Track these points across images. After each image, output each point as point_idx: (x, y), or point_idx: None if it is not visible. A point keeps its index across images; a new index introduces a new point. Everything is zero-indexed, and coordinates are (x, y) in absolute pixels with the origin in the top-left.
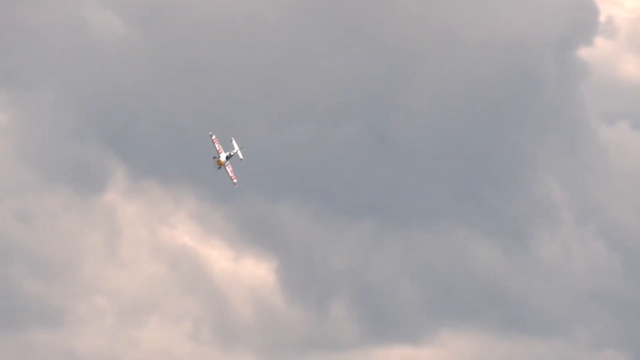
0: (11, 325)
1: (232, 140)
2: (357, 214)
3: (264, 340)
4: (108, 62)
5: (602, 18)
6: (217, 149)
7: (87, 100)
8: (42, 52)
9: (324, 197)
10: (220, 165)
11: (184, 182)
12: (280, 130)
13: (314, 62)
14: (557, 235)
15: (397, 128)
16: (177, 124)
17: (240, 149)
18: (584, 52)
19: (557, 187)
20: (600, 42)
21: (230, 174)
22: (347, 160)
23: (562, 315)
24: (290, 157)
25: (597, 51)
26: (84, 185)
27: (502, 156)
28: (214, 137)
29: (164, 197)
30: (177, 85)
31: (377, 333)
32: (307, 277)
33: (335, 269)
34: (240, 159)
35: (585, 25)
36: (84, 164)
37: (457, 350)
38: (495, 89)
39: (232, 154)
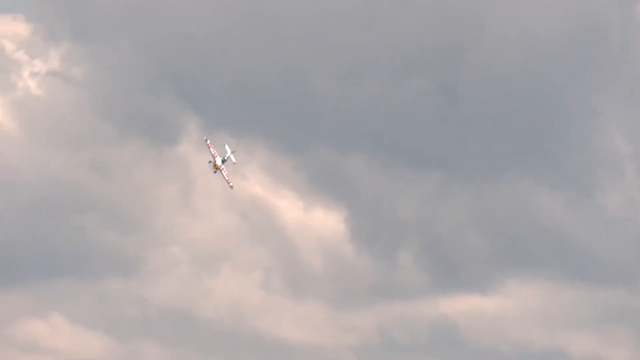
0: (87, 275)
1: (225, 145)
2: (424, 166)
3: (334, 289)
4: (181, 15)
5: None
6: (213, 153)
7: (161, 53)
8: (117, 6)
9: (393, 149)
10: (217, 168)
11: (255, 134)
12: (350, 82)
13: (384, 14)
14: (620, 185)
15: (464, 81)
16: (249, 77)
17: (233, 152)
18: None
19: (620, 138)
20: None
21: (226, 178)
22: (415, 113)
23: (626, 264)
24: (359, 110)
25: None
26: (158, 137)
27: (567, 108)
28: (208, 141)
29: (237, 148)
30: (250, 38)
31: (444, 282)
32: (375, 227)
33: (403, 219)
34: (234, 163)
35: None
36: (158, 117)
37: (523, 299)
38: (560, 42)
39: (226, 158)
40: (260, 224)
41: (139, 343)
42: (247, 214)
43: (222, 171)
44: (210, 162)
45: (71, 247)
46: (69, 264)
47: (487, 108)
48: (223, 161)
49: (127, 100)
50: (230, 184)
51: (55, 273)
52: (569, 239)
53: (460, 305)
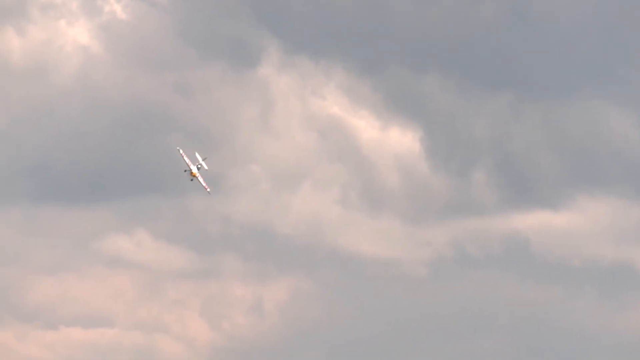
0: (171, 192)
1: (195, 154)
2: (498, 85)
3: (409, 206)
4: None
5: None
6: (187, 162)
7: None
8: None
9: (467, 68)
10: (194, 176)
11: (333, 56)
12: (425, 3)
13: None
14: None
15: (537, 2)
16: (327, 0)
17: (204, 159)
18: None
19: None
20: None
21: (204, 184)
22: (489, 33)
23: None
24: (434, 30)
25: None
26: (238, 60)
27: (637, 28)
28: (181, 151)
29: (315, 70)
30: None
31: (517, 198)
32: (450, 145)
33: (477, 138)
34: (206, 169)
35: None
36: (239, 40)
37: (593, 215)
38: None
39: (199, 165)
40: (338, 142)
41: (219, 258)
42: (326, 133)
43: (199, 178)
44: (185, 170)
45: (155, 165)
46: (153, 181)
47: (560, 28)
48: (198, 168)
49: (209, 24)
50: (208, 189)
51: (139, 190)
52: (639, 157)
53: (531, 221)
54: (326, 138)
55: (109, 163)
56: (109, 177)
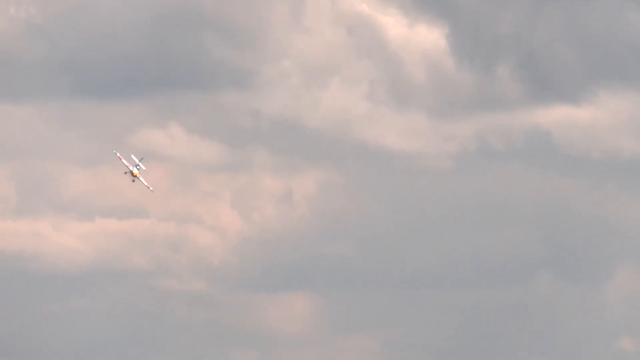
0: (204, 87)
1: (132, 156)
2: None
3: (435, 100)
4: None
5: None
6: (126, 164)
7: None
8: None
9: None
10: (135, 176)
11: None
12: None
13: None
14: None
15: None
16: None
17: (141, 159)
18: None
19: None
20: None
21: (146, 183)
22: None
23: None
24: None
25: None
26: None
27: None
28: (118, 154)
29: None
30: None
31: (539, 93)
32: (475, 41)
33: (501, 34)
34: (143, 169)
35: None
36: None
37: (614, 109)
38: None
39: (138, 166)
40: (367, 39)
41: (250, 151)
42: (354, 30)
43: (140, 178)
44: (126, 172)
45: (190, 61)
46: (188, 76)
47: None
48: (137, 169)
49: None
50: (150, 188)
51: (174, 85)
52: None
53: (554, 115)
54: (355, 35)
55: (144, 59)
56: (144, 72)
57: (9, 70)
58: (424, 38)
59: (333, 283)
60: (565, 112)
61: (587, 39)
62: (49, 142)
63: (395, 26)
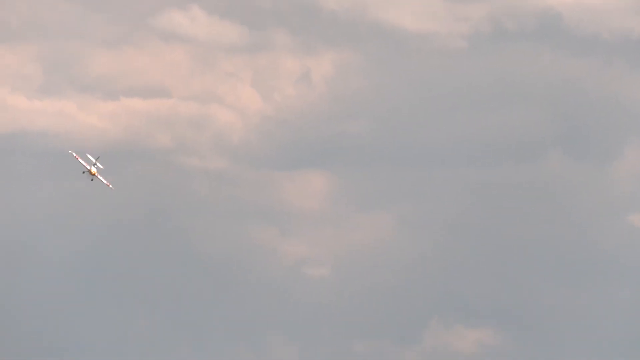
0: None
1: (87, 155)
2: None
3: None
4: None
5: None
6: (83, 164)
7: None
8: None
9: None
10: (93, 175)
11: None
12: None
13: None
14: None
15: None
16: None
17: (97, 159)
18: None
19: None
20: None
21: (105, 182)
22: None
23: None
24: None
25: None
26: None
27: None
28: (74, 154)
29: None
30: None
31: None
32: None
33: None
34: (101, 168)
35: None
36: None
37: None
38: None
39: (95, 165)
40: None
41: (270, 32)
42: None
43: (99, 176)
44: (84, 172)
45: None
46: None
47: None
48: (95, 168)
49: None
50: (110, 186)
51: None
52: None
53: None
54: None
55: None
56: None
57: None
58: None
59: (349, 161)
60: None
61: None
62: (74, 23)
63: None
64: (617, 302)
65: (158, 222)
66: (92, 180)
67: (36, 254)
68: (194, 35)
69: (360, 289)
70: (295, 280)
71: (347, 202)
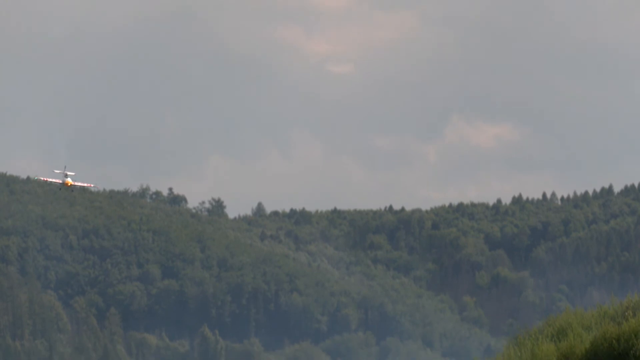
0: None
1: (54, 171)
2: None
3: None
4: None
5: None
6: (54, 181)
7: None
8: None
9: None
10: (69, 185)
11: None
12: None
13: None
14: None
15: None
16: None
17: (64, 168)
18: None
19: None
20: None
21: (84, 184)
22: None
23: None
24: None
25: None
26: None
27: None
28: (42, 178)
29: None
30: None
31: None
32: None
33: None
34: (72, 174)
35: None
36: None
37: None
38: None
39: (66, 175)
40: None
41: None
42: None
43: (75, 184)
44: (60, 189)
45: None
46: None
47: None
48: (67, 177)
49: None
50: (92, 185)
51: None
52: None
53: None
54: None
55: None
56: None
57: None
58: None
59: None
60: None
61: None
62: None
63: None
64: (630, 96)
65: (185, 21)
66: (72, 191)
67: None
68: None
69: (384, 86)
70: (320, 78)
71: (371, 0)
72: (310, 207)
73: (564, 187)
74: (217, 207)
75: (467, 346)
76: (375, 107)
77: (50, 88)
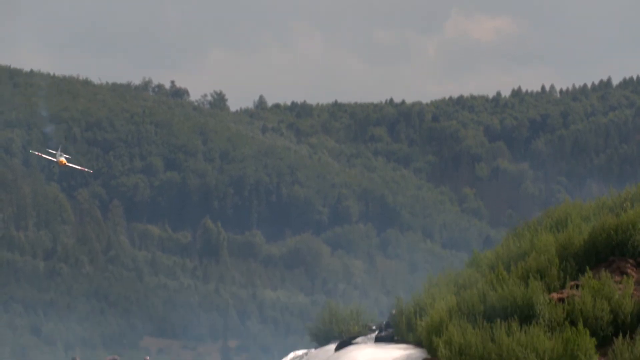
0: None
1: (47, 150)
2: None
3: None
4: None
5: None
6: (49, 158)
7: None
8: None
9: None
10: (63, 164)
11: None
12: None
13: None
14: None
15: None
16: None
17: (59, 148)
18: None
19: None
20: None
21: (79, 167)
22: None
23: None
24: None
25: None
26: None
27: None
28: (37, 153)
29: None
30: None
31: None
32: None
33: None
34: (67, 157)
35: None
36: None
37: None
38: None
39: (60, 154)
40: None
41: None
42: None
43: (70, 164)
44: (53, 166)
45: None
46: None
47: None
48: (61, 157)
49: None
50: (86, 169)
51: None
52: None
53: None
54: None
55: None
56: None
57: None
58: None
59: None
60: None
61: None
62: None
63: None
64: None
65: None
66: (63, 166)
67: None
68: None
69: None
70: None
71: None
72: (311, 100)
73: (563, 80)
74: (219, 100)
75: (466, 237)
76: (375, 0)
77: None
